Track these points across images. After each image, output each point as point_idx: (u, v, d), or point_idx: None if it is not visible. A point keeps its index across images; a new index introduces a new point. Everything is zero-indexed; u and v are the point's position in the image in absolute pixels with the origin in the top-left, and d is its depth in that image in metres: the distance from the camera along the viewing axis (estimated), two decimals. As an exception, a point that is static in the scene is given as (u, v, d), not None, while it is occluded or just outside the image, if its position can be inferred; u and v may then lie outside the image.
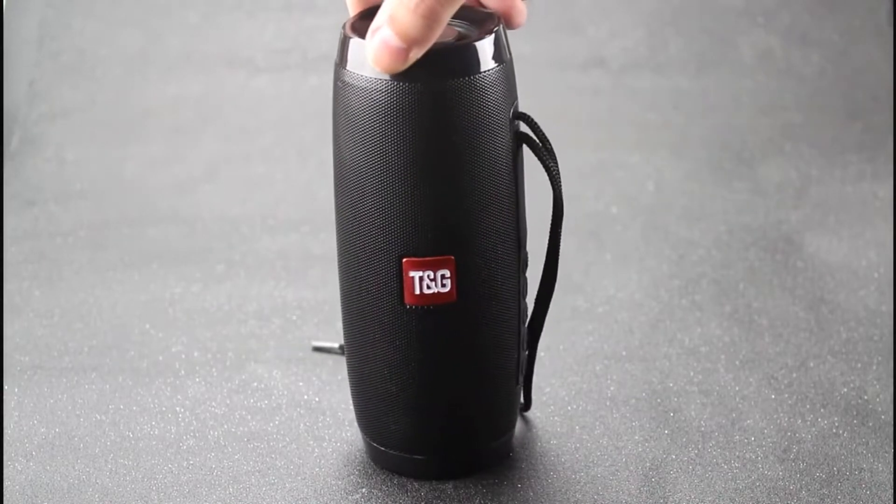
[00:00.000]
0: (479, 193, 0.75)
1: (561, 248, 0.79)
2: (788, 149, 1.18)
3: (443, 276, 0.76)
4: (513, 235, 0.78)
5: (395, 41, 0.69)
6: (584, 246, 1.05)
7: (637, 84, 1.24)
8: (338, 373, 0.90)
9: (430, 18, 0.68)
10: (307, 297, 0.99)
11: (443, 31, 0.74)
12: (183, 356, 0.93)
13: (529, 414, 0.86)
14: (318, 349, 0.93)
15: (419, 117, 0.73)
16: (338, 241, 0.79)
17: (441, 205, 0.75)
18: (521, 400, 0.85)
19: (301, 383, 0.90)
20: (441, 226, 0.76)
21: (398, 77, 0.73)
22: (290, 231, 1.09)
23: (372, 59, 0.71)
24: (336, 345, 0.91)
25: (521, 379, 0.82)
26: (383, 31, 0.69)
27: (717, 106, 1.23)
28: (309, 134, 1.20)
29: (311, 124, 1.20)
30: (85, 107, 1.23)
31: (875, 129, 1.20)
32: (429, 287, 0.76)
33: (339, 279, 0.80)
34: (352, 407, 0.83)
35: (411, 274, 0.76)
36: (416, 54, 0.70)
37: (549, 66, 1.25)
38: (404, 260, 0.76)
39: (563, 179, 0.78)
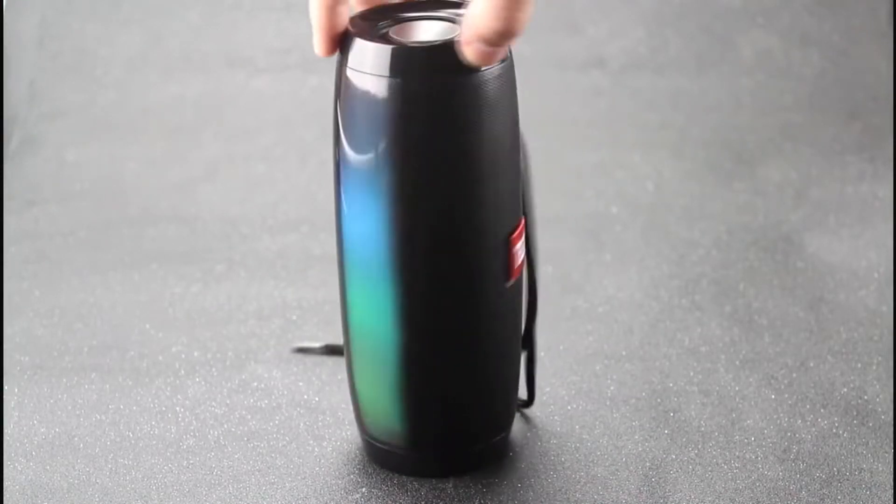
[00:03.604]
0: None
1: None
2: (788, 149, 1.18)
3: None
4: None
5: (490, 49, 0.71)
6: (584, 246, 1.05)
7: (637, 84, 1.24)
8: (338, 373, 0.90)
9: (508, 21, 0.69)
10: (307, 297, 0.99)
11: (445, 29, 0.75)
12: (183, 356, 0.93)
13: (529, 414, 0.86)
14: (300, 350, 0.93)
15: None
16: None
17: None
18: (525, 396, 0.85)
19: (301, 383, 0.90)
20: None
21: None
22: (290, 231, 1.08)
23: (473, 62, 0.72)
24: (317, 345, 0.91)
25: (518, 375, 0.82)
26: (477, 45, 0.71)
27: (717, 106, 1.23)
28: (309, 134, 1.20)
29: (311, 124, 1.20)
30: (85, 107, 1.23)
31: (875, 129, 1.20)
32: None
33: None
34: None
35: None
36: (508, 43, 0.72)
37: (549, 66, 1.25)
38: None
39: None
